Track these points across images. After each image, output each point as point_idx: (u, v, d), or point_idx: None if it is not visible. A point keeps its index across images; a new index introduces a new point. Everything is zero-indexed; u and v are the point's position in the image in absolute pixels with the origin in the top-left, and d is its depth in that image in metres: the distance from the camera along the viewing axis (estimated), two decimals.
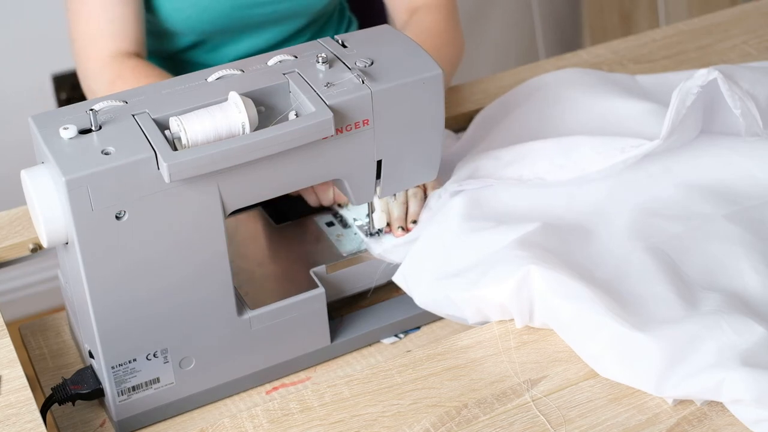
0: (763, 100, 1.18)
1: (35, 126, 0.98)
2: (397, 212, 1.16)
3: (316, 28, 1.54)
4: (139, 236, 0.96)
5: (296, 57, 1.06)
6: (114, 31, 1.35)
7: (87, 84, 1.39)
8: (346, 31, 1.60)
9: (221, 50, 1.48)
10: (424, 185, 1.19)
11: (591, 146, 1.17)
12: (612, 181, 1.17)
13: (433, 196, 1.17)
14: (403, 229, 1.15)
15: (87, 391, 1.05)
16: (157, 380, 1.05)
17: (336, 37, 1.08)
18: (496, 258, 1.06)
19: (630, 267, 1.07)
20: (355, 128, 1.03)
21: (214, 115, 0.97)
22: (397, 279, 1.14)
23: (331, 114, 0.98)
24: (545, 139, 1.20)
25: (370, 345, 1.16)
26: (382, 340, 1.17)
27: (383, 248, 1.14)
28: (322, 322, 1.11)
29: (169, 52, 1.48)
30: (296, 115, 1.02)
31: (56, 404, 1.06)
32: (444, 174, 1.18)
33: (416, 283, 1.11)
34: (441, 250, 1.11)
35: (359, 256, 1.15)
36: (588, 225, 1.13)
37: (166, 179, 0.93)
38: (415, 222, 1.16)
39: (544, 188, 1.16)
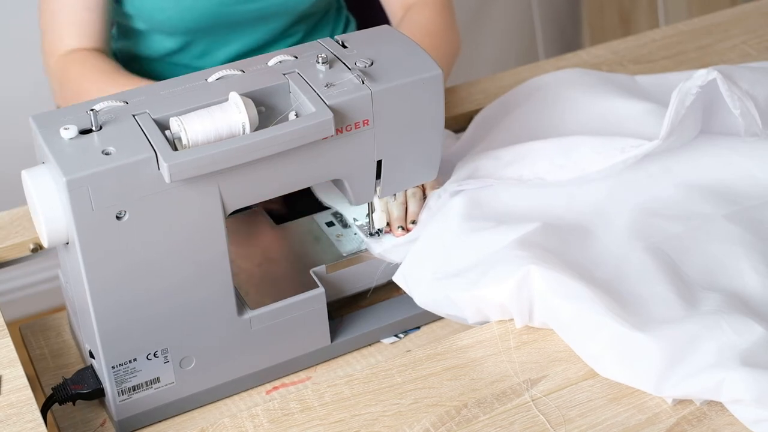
0: (763, 101, 1.18)
1: (36, 126, 0.98)
2: (396, 212, 1.16)
3: (309, 26, 1.53)
4: (140, 236, 0.96)
5: (296, 57, 1.06)
6: (75, 27, 1.36)
7: (49, 78, 1.40)
8: (344, 30, 1.60)
9: (212, 53, 1.47)
10: (422, 185, 1.19)
11: (591, 146, 1.17)
12: (612, 181, 1.17)
13: (433, 196, 1.17)
14: (402, 228, 1.15)
15: (87, 390, 1.05)
16: (157, 380, 1.05)
17: (336, 37, 1.08)
18: (496, 258, 1.06)
19: (630, 267, 1.07)
20: (355, 128, 1.03)
21: (214, 116, 0.97)
22: (397, 279, 1.14)
23: (331, 114, 0.98)
24: (545, 139, 1.20)
25: (370, 345, 1.16)
26: (382, 340, 1.17)
27: (383, 248, 1.14)
28: (322, 322, 1.11)
29: (156, 56, 1.48)
30: (296, 115, 1.02)
31: (57, 404, 1.07)
32: (444, 174, 1.18)
33: (416, 282, 1.11)
34: (441, 250, 1.11)
35: (359, 256, 1.15)
36: (588, 225, 1.13)
37: (167, 179, 0.93)
38: (414, 222, 1.16)
39: (544, 188, 1.16)
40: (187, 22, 1.40)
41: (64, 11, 1.36)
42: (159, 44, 1.46)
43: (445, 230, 1.13)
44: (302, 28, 1.52)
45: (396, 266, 1.15)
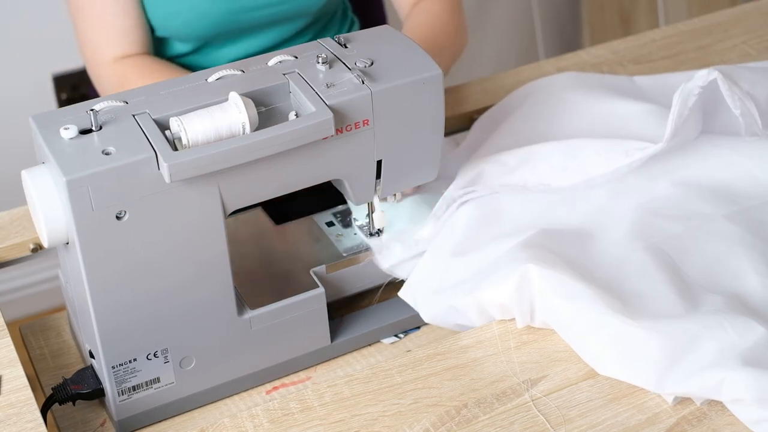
0: (763, 101, 1.18)
1: (36, 126, 0.98)
2: None
3: (317, 28, 1.54)
4: (140, 236, 0.96)
5: (296, 57, 1.06)
6: (117, 36, 1.38)
7: (99, 88, 1.42)
8: (348, 31, 1.60)
9: (220, 52, 1.48)
10: None
11: (595, 149, 1.17)
12: (613, 181, 1.17)
13: (442, 206, 1.16)
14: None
15: (87, 390, 1.05)
16: (157, 380, 1.05)
17: (336, 37, 1.08)
18: (496, 264, 1.06)
19: (630, 267, 1.07)
20: (355, 128, 1.03)
21: (214, 116, 0.97)
22: (403, 295, 1.14)
23: (331, 114, 0.98)
24: (549, 142, 1.20)
25: (370, 345, 1.16)
26: (382, 340, 1.17)
27: (390, 263, 1.14)
28: (322, 322, 1.11)
29: (167, 58, 1.48)
30: (296, 115, 1.02)
31: (57, 404, 1.07)
32: (445, 184, 1.18)
33: (423, 298, 1.11)
34: (446, 266, 1.11)
35: (359, 256, 1.15)
36: (588, 225, 1.13)
37: (167, 179, 0.93)
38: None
39: (548, 195, 1.16)
40: (200, 28, 1.41)
41: (102, 20, 1.37)
42: (171, 48, 1.46)
43: (450, 246, 1.13)
44: (312, 31, 1.52)
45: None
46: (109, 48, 1.38)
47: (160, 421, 1.07)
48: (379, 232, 1.16)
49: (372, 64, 1.04)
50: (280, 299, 1.08)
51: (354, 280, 1.15)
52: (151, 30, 1.43)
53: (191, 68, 1.49)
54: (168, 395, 1.06)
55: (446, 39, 1.38)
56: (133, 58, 1.38)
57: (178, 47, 1.46)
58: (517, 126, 1.28)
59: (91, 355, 1.05)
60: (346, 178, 1.07)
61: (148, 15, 1.40)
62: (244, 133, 0.98)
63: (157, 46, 1.46)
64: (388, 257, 1.14)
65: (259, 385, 1.11)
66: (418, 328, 1.18)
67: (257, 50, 1.48)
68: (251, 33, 1.46)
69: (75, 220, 0.93)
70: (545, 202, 1.16)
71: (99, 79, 1.41)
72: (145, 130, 0.96)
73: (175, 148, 0.97)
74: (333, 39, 1.08)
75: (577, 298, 1.01)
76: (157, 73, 1.34)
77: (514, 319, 1.06)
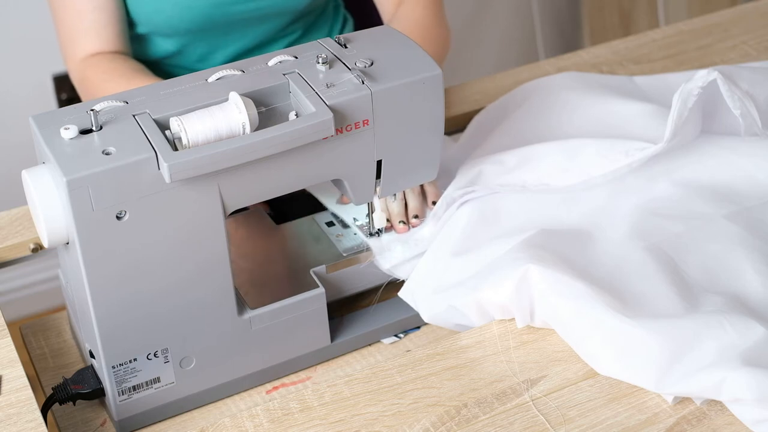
0: (763, 101, 1.18)
1: (36, 126, 0.98)
2: (396, 209, 1.16)
3: (306, 24, 1.53)
4: (140, 236, 0.96)
5: (296, 57, 1.06)
6: (88, 33, 1.38)
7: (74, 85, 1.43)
8: (341, 27, 1.60)
9: (211, 55, 1.47)
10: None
11: (595, 149, 1.17)
12: (613, 181, 1.17)
13: (442, 206, 1.16)
14: (404, 223, 1.15)
15: (88, 390, 1.05)
16: (157, 380, 1.05)
17: (336, 37, 1.09)
18: (495, 264, 1.06)
19: (630, 266, 1.07)
20: (355, 128, 1.03)
21: (214, 116, 0.97)
22: (403, 295, 1.14)
23: (331, 114, 0.98)
24: (549, 142, 1.20)
25: (370, 345, 1.16)
26: (382, 340, 1.17)
27: (391, 264, 1.14)
28: (322, 322, 1.11)
29: (155, 59, 1.48)
30: (296, 115, 1.02)
31: (57, 404, 1.07)
32: (443, 180, 1.18)
33: (423, 298, 1.11)
34: (446, 265, 1.11)
35: (359, 256, 1.15)
36: (589, 225, 1.13)
37: (167, 179, 0.94)
38: (417, 216, 1.16)
39: (548, 195, 1.16)
40: (185, 22, 1.40)
41: (75, 18, 1.37)
42: (158, 47, 1.46)
43: (450, 246, 1.13)
44: (300, 27, 1.52)
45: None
46: (81, 45, 1.38)
47: (160, 421, 1.08)
48: (379, 232, 1.16)
49: (372, 64, 1.04)
50: (280, 299, 1.08)
51: (354, 280, 1.15)
52: (133, 27, 1.43)
53: (177, 70, 1.48)
54: (168, 395, 1.06)
55: (433, 40, 1.38)
56: (99, 56, 1.37)
57: (165, 46, 1.45)
58: (516, 126, 1.28)
59: (92, 355, 1.05)
60: (346, 178, 1.07)
61: (131, 10, 1.40)
62: (244, 133, 0.98)
63: (142, 47, 1.46)
64: (388, 258, 1.14)
65: (259, 385, 1.11)
66: (418, 328, 1.18)
67: (245, 48, 1.47)
68: (237, 29, 1.45)
69: (75, 220, 0.94)
70: (545, 202, 1.16)
71: (70, 74, 1.41)
72: (145, 130, 0.96)
73: (175, 148, 0.97)
74: (333, 39, 1.08)
75: (577, 297, 1.01)
76: (116, 72, 1.33)
77: (513, 319, 1.06)
